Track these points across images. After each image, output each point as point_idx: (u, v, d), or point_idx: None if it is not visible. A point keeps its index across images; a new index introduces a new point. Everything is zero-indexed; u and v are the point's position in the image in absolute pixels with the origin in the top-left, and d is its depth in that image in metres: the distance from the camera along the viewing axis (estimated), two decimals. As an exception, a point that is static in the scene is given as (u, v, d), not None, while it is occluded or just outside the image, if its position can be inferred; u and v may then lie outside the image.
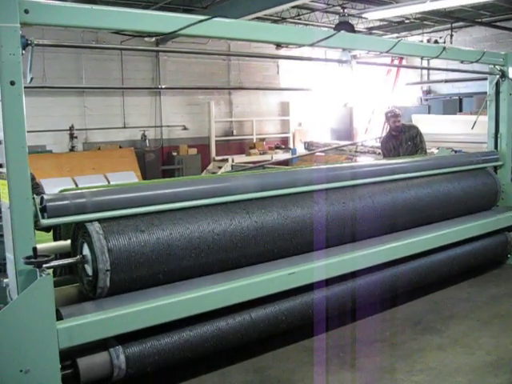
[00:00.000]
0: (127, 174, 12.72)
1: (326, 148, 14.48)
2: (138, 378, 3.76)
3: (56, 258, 3.89)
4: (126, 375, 3.61)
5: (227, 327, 3.97)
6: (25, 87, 3.24)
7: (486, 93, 6.93)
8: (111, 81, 14.80)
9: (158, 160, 15.49)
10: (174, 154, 15.76)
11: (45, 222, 3.43)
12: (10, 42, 3.14)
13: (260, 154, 16.60)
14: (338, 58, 5.29)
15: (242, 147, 17.46)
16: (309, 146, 15.67)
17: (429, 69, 17.69)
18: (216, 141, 16.45)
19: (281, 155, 16.52)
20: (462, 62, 6.47)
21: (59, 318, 3.32)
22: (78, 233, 3.74)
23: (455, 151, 8.40)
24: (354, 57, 5.72)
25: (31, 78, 3.45)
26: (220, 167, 14.84)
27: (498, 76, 6.71)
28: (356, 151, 13.36)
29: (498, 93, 6.78)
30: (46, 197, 3.48)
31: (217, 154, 16.20)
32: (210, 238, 3.97)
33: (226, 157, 15.85)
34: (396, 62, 17.85)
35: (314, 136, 17.93)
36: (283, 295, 4.28)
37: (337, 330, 4.75)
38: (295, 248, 4.54)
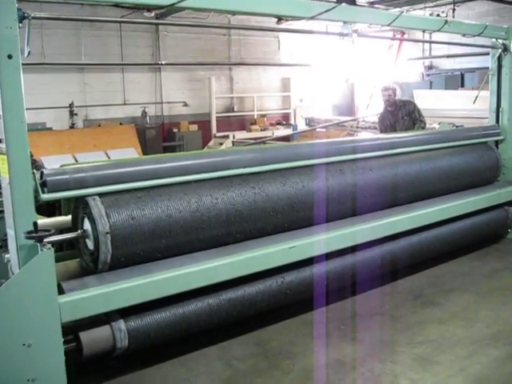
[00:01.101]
0: (128, 150, 12.68)
1: (326, 124, 14.41)
2: (140, 351, 3.80)
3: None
4: (128, 349, 3.64)
5: (228, 301, 4.00)
6: (24, 64, 3.22)
7: (488, 68, 6.88)
8: (111, 57, 14.66)
9: (158, 137, 15.40)
10: (175, 130, 15.67)
11: (45, 196, 3.43)
12: (7, 15, 3.11)
13: (261, 130, 16.49)
14: (339, 31, 5.24)
15: (243, 123, 17.36)
16: (310, 121, 15.58)
17: (431, 42, 17.52)
18: (217, 117, 16.34)
19: (282, 131, 16.42)
20: (463, 35, 6.40)
21: (61, 292, 3.33)
22: (78, 207, 3.74)
23: (456, 126, 8.36)
24: (356, 31, 5.66)
25: (29, 52, 3.42)
26: (221, 143, 14.76)
27: (500, 50, 6.65)
28: (357, 127, 13.28)
29: (500, 67, 6.73)
30: (45, 171, 3.47)
31: (218, 131, 16.10)
32: (211, 212, 3.97)
33: (226, 133, 15.74)
34: (398, 37, 17.67)
35: (315, 112, 17.82)
36: (284, 269, 4.30)
37: (337, 304, 4.78)
38: (296, 222, 4.54)
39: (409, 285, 5.25)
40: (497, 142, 6.75)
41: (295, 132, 15.43)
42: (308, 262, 4.44)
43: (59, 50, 13.71)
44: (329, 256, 4.59)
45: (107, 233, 3.53)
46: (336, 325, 4.43)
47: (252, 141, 13.31)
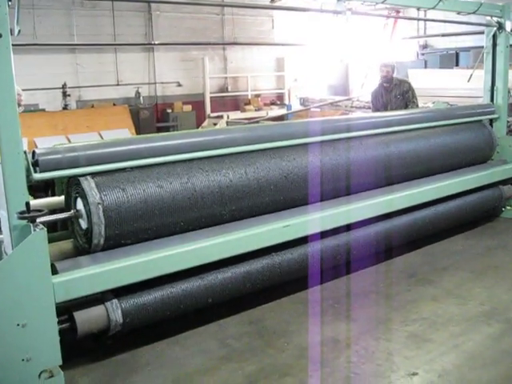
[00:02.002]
0: (121, 131, 12.59)
1: (321, 103, 14.36)
2: (135, 330, 3.81)
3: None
4: (123, 328, 3.64)
5: (222, 280, 4.00)
6: (16, 45, 3.17)
7: (483, 47, 6.85)
8: (103, 37, 14.52)
9: (152, 117, 15.33)
10: (169, 111, 15.59)
11: (37, 176, 3.41)
12: (-5, -7, 3.05)
13: (255, 110, 16.44)
14: (333, 9, 5.19)
15: (237, 103, 17.29)
16: (304, 101, 15.53)
17: (425, 20, 17.39)
18: (211, 97, 16.26)
19: (276, 111, 16.37)
20: (458, 13, 6.36)
21: (55, 272, 3.33)
22: (71, 187, 3.72)
23: (451, 105, 8.34)
24: (350, 10, 5.61)
25: (19, 31, 3.37)
26: (215, 124, 14.67)
27: (495, 28, 6.62)
28: (352, 106, 13.24)
29: (494, 45, 6.71)
30: (37, 151, 3.45)
31: (212, 111, 16.03)
32: (205, 192, 3.95)
33: (220, 113, 15.67)
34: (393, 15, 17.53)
35: (309, 92, 17.74)
36: (278, 248, 4.30)
37: (332, 282, 4.80)
38: (290, 201, 4.53)
39: (403, 263, 5.27)
40: (491, 121, 6.74)
41: (289, 112, 15.38)
42: (302, 240, 4.44)
43: (51, 31, 13.57)
44: (323, 235, 4.60)
45: (98, 203, 3.50)
46: (330, 303, 4.45)
47: (246, 121, 13.25)
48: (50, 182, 3.97)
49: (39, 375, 3.17)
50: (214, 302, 4.06)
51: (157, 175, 3.80)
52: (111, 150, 3.72)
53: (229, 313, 4.28)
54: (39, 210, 3.27)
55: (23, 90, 6.56)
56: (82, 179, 3.56)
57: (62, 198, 3.91)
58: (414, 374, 3.45)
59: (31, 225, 3.20)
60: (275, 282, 4.40)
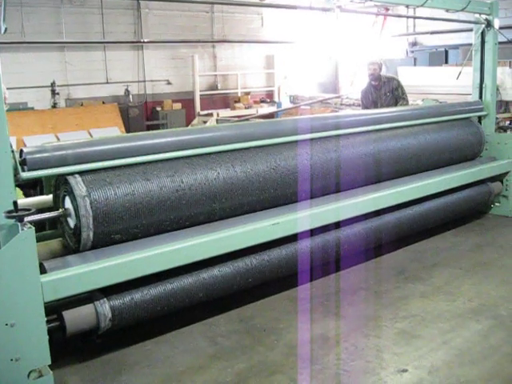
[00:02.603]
0: (111, 129, 12.58)
1: (311, 101, 14.36)
2: (125, 329, 3.80)
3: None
4: (112, 327, 3.63)
5: (211, 278, 4.00)
6: (4, 43, 3.16)
7: (471, 44, 6.87)
8: (92, 35, 14.45)
9: (142, 115, 15.28)
10: (158, 109, 15.55)
11: (25, 175, 3.39)
12: (-19, -10, 3.03)
13: (245, 107, 16.43)
14: (321, 6, 5.20)
15: (227, 101, 17.27)
16: (294, 99, 15.52)
17: (414, 17, 17.44)
18: (200, 95, 16.25)
19: (266, 109, 16.36)
20: (447, 10, 6.39)
21: (43, 271, 3.31)
22: (59, 186, 3.70)
23: (440, 103, 8.37)
24: (339, 7, 5.62)
25: (5, 29, 3.35)
26: (205, 122, 14.65)
27: (483, 25, 6.65)
28: (341, 104, 13.26)
29: (483, 43, 6.74)
30: (25, 149, 3.42)
31: (201, 109, 16.01)
32: (194, 190, 3.94)
33: (210, 111, 15.65)
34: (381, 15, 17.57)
35: (299, 89, 17.75)
36: (268, 245, 4.30)
37: (321, 280, 4.81)
38: (279, 199, 4.54)
39: (392, 260, 5.30)
40: (480, 118, 6.78)
41: (279, 110, 15.37)
42: (292, 238, 4.44)
43: (39, 29, 13.48)
44: (313, 232, 4.60)
45: (85, 196, 3.48)
46: (320, 300, 4.46)
47: (236, 119, 13.24)
48: (38, 179, 3.94)
49: (28, 375, 3.15)
50: (203, 300, 4.05)
51: (146, 174, 3.78)
52: (99, 149, 3.70)
53: (218, 311, 4.28)
54: (27, 209, 3.25)
55: (11, 88, 6.52)
56: (69, 177, 3.54)
57: (50, 197, 3.89)
58: (404, 370, 3.47)
59: (19, 224, 3.17)
60: (264, 280, 4.40)
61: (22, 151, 3.41)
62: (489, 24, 6.60)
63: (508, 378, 3.38)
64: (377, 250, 5.32)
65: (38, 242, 3.23)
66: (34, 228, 3.18)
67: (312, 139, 4.83)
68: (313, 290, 4.64)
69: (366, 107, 7.99)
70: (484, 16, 6.59)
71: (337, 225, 4.81)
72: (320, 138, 4.90)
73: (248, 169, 4.27)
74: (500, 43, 6.79)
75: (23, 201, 3.90)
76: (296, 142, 4.71)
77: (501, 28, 6.77)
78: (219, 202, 4.10)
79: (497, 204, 6.67)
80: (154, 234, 3.84)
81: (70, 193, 3.53)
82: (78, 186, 3.50)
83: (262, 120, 9.44)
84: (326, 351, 3.71)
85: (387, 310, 4.27)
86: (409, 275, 4.94)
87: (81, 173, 3.58)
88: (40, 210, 3.74)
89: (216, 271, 4.03)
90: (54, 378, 3.25)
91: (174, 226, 3.94)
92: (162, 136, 4.08)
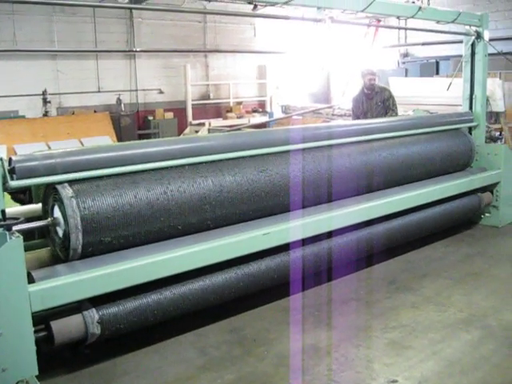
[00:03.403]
0: (102, 138, 12.53)
1: (302, 111, 14.39)
2: (113, 339, 3.77)
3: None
4: (101, 337, 3.60)
5: (201, 288, 3.97)
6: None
7: (462, 56, 6.91)
8: (84, 44, 14.43)
9: (133, 124, 15.24)
10: (150, 118, 15.53)
11: (13, 183, 3.36)
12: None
13: (237, 117, 16.44)
14: (313, 17, 5.21)
15: (219, 111, 17.28)
16: (286, 109, 15.54)
17: (405, 29, 17.59)
18: (192, 105, 16.25)
19: (258, 119, 16.39)
20: (438, 22, 6.43)
21: (31, 280, 3.28)
22: (48, 195, 3.68)
23: (431, 113, 8.40)
24: (331, 18, 5.63)
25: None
26: (197, 131, 14.66)
27: (473, 37, 6.70)
28: (333, 114, 13.29)
29: (473, 54, 6.79)
30: (14, 158, 3.40)
31: (193, 118, 16.01)
32: (183, 199, 3.92)
33: (202, 121, 15.65)
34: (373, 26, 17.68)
35: (291, 99, 17.80)
36: (259, 255, 4.28)
37: (312, 290, 4.80)
38: (271, 209, 4.53)
39: (383, 270, 5.29)
40: (470, 129, 6.81)
41: (271, 119, 15.39)
42: (283, 248, 4.43)
43: (31, 37, 13.46)
44: (304, 242, 4.59)
45: (71, 197, 3.46)
46: (311, 311, 4.44)
47: (228, 128, 13.24)
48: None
49: (15, 386, 3.12)
50: (192, 311, 4.03)
51: (135, 184, 3.76)
52: (90, 157, 3.68)
53: (209, 321, 4.26)
54: (15, 218, 3.23)
55: (2, 96, 6.50)
56: (58, 186, 3.51)
57: (39, 205, 3.87)
58: (394, 381, 3.46)
59: (7, 233, 3.15)
60: (255, 290, 4.38)
61: (10, 159, 3.39)
62: (479, 36, 6.65)
63: (498, 388, 3.38)
64: (367, 260, 5.32)
65: (26, 251, 3.22)
66: (22, 237, 3.15)
67: (304, 149, 4.83)
68: (304, 300, 4.63)
69: (356, 116, 8.00)
70: (474, 28, 6.64)
71: (328, 235, 4.80)
72: (312, 148, 4.89)
73: (237, 179, 4.25)
74: (490, 55, 6.84)
75: (12, 210, 3.87)
76: (288, 152, 4.70)
77: (491, 40, 6.83)
78: (211, 212, 4.09)
79: (487, 214, 6.69)
80: (143, 244, 3.82)
81: (59, 202, 3.51)
82: (67, 194, 3.48)
83: (254, 130, 9.46)
84: (317, 362, 3.69)
85: (378, 321, 4.26)
86: (399, 285, 4.94)
87: (70, 182, 3.56)
88: (29, 219, 3.73)
89: (207, 281, 4.00)
90: (42, 389, 3.23)
91: (165, 235, 3.91)
92: (151, 145, 4.08)
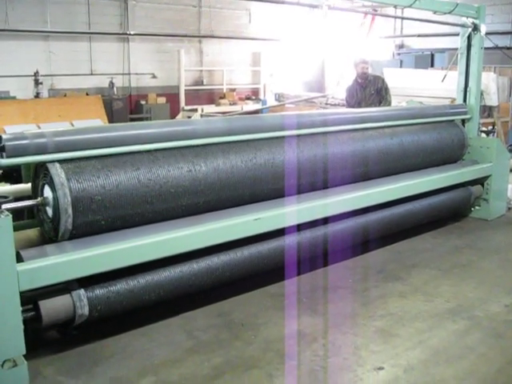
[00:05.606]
0: (94, 121, 12.45)
1: (296, 100, 14.37)
2: (101, 321, 3.76)
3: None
4: (89, 318, 3.59)
5: (191, 271, 3.96)
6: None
7: (457, 49, 6.91)
8: (77, 25, 14.33)
9: (125, 108, 15.20)
10: (143, 102, 15.49)
11: (3, 161, 3.33)
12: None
13: (230, 104, 16.42)
14: (309, 3, 5.20)
15: (212, 97, 17.25)
16: (279, 97, 15.53)
17: (402, 18, 17.56)
18: (185, 90, 16.20)
19: (251, 106, 16.37)
20: (434, 12, 6.41)
21: (20, 260, 3.26)
22: (38, 174, 3.65)
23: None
24: (328, 5, 5.62)
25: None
26: (189, 117, 14.64)
27: (470, 29, 6.69)
28: (327, 103, 13.29)
29: (469, 47, 6.78)
30: (4, 136, 3.36)
31: (186, 104, 15.96)
32: (176, 182, 3.90)
33: (195, 106, 15.61)
34: (369, 16, 17.68)
35: (285, 87, 17.77)
36: (249, 241, 4.28)
37: (300, 277, 4.80)
38: (265, 194, 4.52)
39: (372, 260, 5.31)
40: (463, 121, 6.82)
41: (264, 107, 15.38)
42: (272, 235, 4.43)
43: (24, 17, 13.35)
44: (292, 230, 4.58)
45: (64, 184, 3.42)
46: (299, 297, 4.45)
47: (220, 115, 13.21)
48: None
49: (2, 364, 3.10)
50: (181, 294, 4.03)
51: (127, 165, 3.73)
52: (81, 137, 3.65)
53: (197, 304, 4.25)
54: (4, 197, 3.20)
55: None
56: (49, 165, 3.48)
57: (29, 185, 3.84)
58: (380, 368, 3.47)
59: (-4, 211, 3.13)
60: (243, 275, 4.38)
61: (0, 138, 3.35)
62: (475, 28, 6.63)
63: (483, 377, 3.40)
64: (356, 249, 5.32)
65: (15, 230, 3.19)
66: (11, 216, 3.13)
67: (299, 135, 4.82)
68: (292, 286, 4.63)
69: (350, 105, 7.99)
70: (471, 19, 6.62)
71: (317, 223, 4.80)
72: (307, 135, 4.88)
73: (232, 164, 4.23)
74: (485, 49, 6.83)
75: (1, 189, 3.84)
76: (283, 137, 4.69)
77: (487, 33, 6.82)
78: (204, 195, 4.07)
79: (477, 207, 6.71)
80: (134, 225, 3.80)
81: (50, 181, 3.48)
82: (58, 174, 3.45)
83: (249, 115, 9.43)
84: (304, 347, 3.70)
85: (365, 309, 4.28)
86: (388, 275, 4.95)
87: (61, 161, 3.53)
88: (18, 199, 3.70)
89: (197, 264, 4.00)
90: (29, 368, 3.22)
91: (156, 217, 3.90)
92: (142, 127, 4.05)
